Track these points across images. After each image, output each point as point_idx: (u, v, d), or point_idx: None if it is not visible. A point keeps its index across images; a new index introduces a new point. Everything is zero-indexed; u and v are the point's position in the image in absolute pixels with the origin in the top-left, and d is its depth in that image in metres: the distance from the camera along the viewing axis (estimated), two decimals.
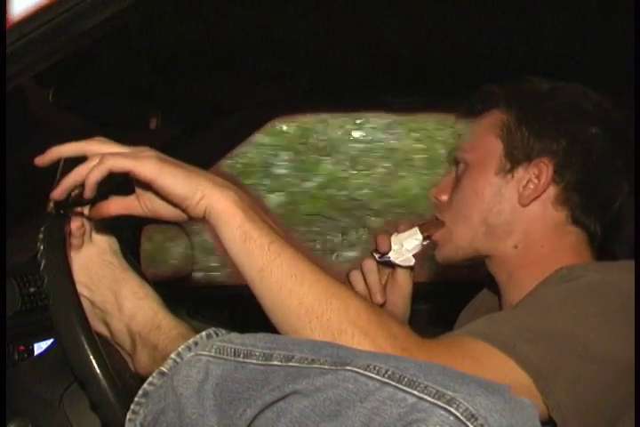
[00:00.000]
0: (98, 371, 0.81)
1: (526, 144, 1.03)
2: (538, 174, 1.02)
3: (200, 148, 1.61)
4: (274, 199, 3.11)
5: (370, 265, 1.14)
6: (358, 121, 3.21)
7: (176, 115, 1.52)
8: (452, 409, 0.60)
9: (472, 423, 0.60)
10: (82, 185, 0.83)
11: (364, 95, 1.65)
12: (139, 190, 0.85)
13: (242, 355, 0.72)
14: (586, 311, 0.87)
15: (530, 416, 0.64)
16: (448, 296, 1.44)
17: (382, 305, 1.13)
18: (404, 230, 1.11)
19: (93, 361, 0.81)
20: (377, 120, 3.17)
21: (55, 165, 0.85)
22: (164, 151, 0.85)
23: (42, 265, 0.85)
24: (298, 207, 3.15)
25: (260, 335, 0.75)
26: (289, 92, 1.58)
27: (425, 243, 1.10)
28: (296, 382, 0.66)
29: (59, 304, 0.83)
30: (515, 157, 1.03)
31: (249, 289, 0.83)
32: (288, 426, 0.65)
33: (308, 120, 3.08)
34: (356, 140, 3.25)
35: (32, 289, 1.15)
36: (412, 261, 1.11)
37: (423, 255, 1.13)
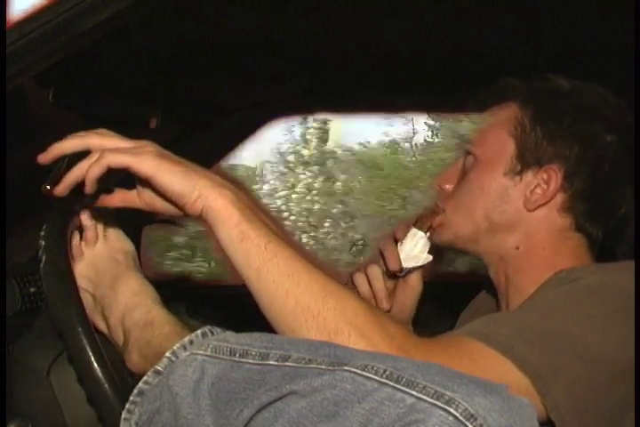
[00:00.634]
0: (96, 367, 0.81)
1: (539, 148, 1.01)
2: (547, 180, 1.00)
3: (200, 148, 1.61)
4: None
5: (375, 272, 1.12)
6: None
7: (176, 115, 1.52)
8: (451, 409, 0.60)
9: (471, 423, 0.60)
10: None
11: (364, 95, 1.65)
12: (139, 185, 0.86)
13: (238, 354, 0.72)
14: (585, 313, 0.87)
15: (528, 416, 0.64)
16: (448, 297, 1.44)
17: (389, 310, 1.13)
18: (404, 236, 1.10)
19: (92, 358, 0.81)
20: None
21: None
22: None
23: (42, 261, 0.86)
24: None
25: (257, 335, 0.74)
26: (289, 92, 1.58)
27: (429, 235, 1.09)
28: (293, 383, 0.66)
29: (57, 301, 0.84)
30: (525, 160, 1.02)
31: (248, 289, 0.83)
32: None
33: None
34: None
35: (32, 289, 1.15)
36: (429, 258, 1.09)
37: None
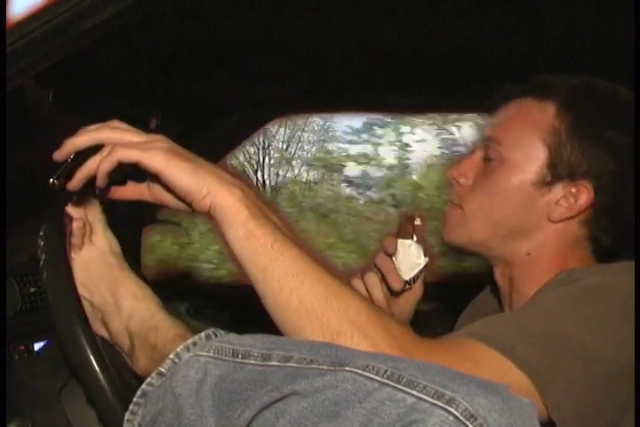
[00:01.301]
0: (97, 370, 0.81)
1: (573, 162, 0.97)
2: (575, 194, 0.97)
3: (200, 148, 1.60)
4: None
5: (373, 280, 1.11)
6: None
7: (176, 115, 1.52)
8: (452, 409, 0.60)
9: (471, 423, 0.60)
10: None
11: (364, 95, 1.65)
12: (149, 179, 0.86)
13: (240, 355, 0.72)
14: (585, 313, 0.87)
15: (529, 416, 0.64)
16: (449, 297, 1.44)
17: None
18: (395, 249, 1.08)
19: (92, 360, 0.81)
20: None
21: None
22: None
23: (42, 260, 0.86)
24: None
25: (259, 336, 0.74)
26: (289, 92, 1.58)
27: (416, 239, 1.07)
28: (295, 383, 0.66)
29: (58, 299, 0.84)
30: (557, 172, 0.98)
31: (250, 288, 0.83)
32: None
33: None
34: None
35: (32, 289, 1.15)
36: (427, 260, 1.08)
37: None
